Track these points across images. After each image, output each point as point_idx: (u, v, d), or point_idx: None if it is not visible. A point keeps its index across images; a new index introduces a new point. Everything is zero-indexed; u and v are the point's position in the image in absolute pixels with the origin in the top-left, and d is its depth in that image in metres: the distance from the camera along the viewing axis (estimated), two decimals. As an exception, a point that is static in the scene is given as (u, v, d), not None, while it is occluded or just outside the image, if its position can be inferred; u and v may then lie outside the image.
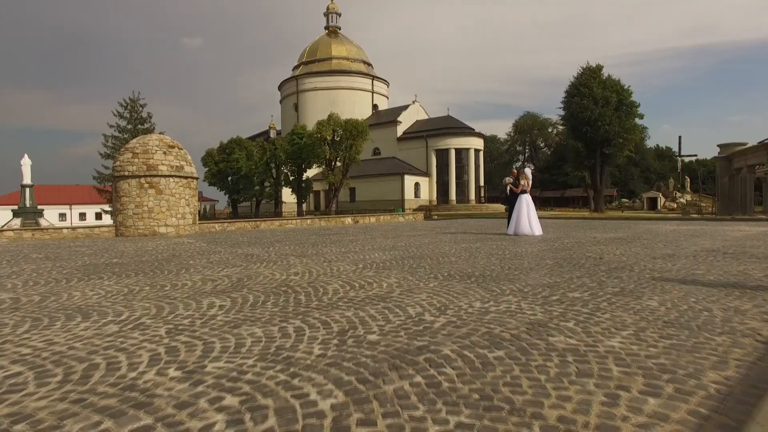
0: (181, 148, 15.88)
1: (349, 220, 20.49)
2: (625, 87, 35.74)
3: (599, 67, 36.40)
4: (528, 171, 12.98)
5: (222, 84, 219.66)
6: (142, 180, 14.66)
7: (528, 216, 12.47)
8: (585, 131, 35.36)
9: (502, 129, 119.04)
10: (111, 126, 41.68)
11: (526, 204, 12.58)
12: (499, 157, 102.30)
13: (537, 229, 12.53)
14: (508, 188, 13.52)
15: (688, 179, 74.91)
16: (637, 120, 36.06)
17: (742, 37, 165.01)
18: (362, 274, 5.89)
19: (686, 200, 69.20)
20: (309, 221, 19.12)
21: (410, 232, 14.63)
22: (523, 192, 12.76)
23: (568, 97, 36.76)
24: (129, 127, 42.22)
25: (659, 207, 67.44)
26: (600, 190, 37.61)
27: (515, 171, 13.39)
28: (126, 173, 14.63)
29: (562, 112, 38.31)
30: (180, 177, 15.26)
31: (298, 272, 6.19)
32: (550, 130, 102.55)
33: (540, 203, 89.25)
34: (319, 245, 10.40)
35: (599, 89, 34.97)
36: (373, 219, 21.62)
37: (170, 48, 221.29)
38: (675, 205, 67.22)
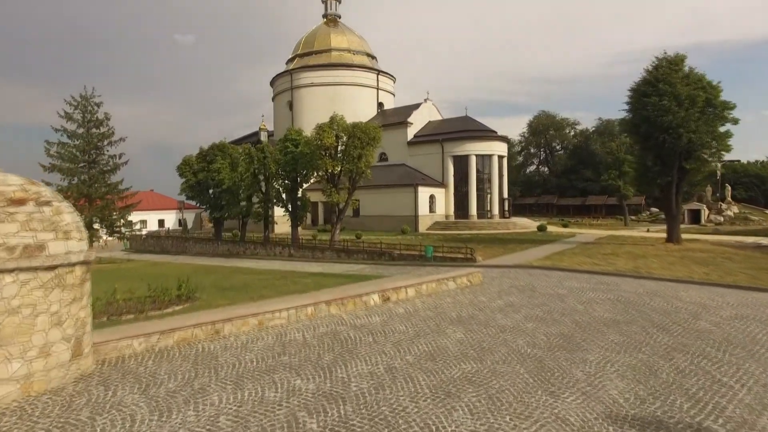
0: (48, 203, 7.63)
1: (375, 298, 12.55)
2: (714, 83, 27.72)
3: (681, 58, 28.29)
4: None
5: (213, 82, 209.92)
6: (-65, 286, 6.45)
7: None
8: (662, 140, 27.30)
9: (507, 129, 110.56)
10: (57, 130, 32.88)
11: None
12: (510, 159, 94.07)
13: None
14: None
15: (729, 187, 67.18)
16: (729, 126, 27.98)
17: (736, 37, 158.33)
18: None
19: (733, 213, 61.40)
20: (310, 310, 11.11)
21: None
22: None
23: (637, 97, 28.62)
24: (80, 131, 33.58)
25: (703, 221, 59.51)
26: (676, 215, 29.54)
27: None
28: None
29: (627, 116, 30.15)
30: (36, 269, 7.06)
31: None
32: (567, 130, 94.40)
33: (557, 211, 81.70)
34: None
35: (683, 86, 26.93)
36: (411, 292, 13.63)
37: (162, 45, 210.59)
38: (722, 219, 59.08)
